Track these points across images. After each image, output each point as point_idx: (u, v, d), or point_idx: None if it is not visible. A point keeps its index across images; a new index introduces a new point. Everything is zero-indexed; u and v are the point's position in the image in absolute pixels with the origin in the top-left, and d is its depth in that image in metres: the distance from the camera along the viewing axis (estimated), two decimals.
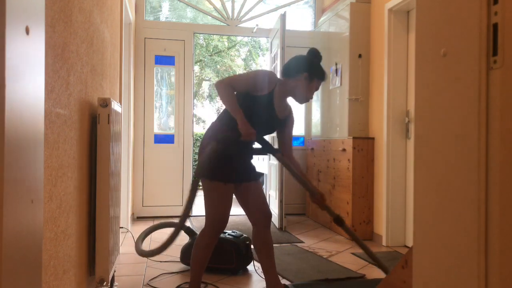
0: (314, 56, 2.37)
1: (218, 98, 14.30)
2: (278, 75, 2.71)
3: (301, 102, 2.39)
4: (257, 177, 2.46)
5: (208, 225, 2.30)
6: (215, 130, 2.33)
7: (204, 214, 2.36)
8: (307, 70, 2.31)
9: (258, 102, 2.28)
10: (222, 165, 2.25)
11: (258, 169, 2.52)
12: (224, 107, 2.34)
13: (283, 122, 2.43)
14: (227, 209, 2.30)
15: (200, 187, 2.27)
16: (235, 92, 2.28)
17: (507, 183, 0.84)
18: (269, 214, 2.42)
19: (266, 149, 2.32)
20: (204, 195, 2.32)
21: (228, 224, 2.36)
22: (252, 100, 2.27)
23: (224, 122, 2.33)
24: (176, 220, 3.01)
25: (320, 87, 2.43)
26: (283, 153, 2.42)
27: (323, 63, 2.41)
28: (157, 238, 3.99)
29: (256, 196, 2.41)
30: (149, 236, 4.06)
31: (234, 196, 2.38)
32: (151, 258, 3.30)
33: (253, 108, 2.28)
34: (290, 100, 2.45)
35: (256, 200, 2.41)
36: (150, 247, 3.64)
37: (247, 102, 2.27)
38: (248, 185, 2.38)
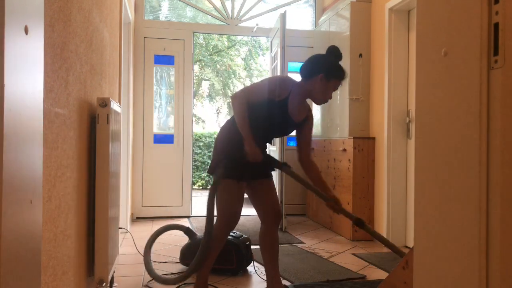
0: (331, 55, 2.31)
1: (218, 98, 14.30)
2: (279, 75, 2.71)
3: (319, 103, 2.35)
4: (270, 175, 2.46)
5: (221, 222, 2.33)
6: (232, 133, 2.32)
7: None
8: (323, 71, 2.25)
9: (271, 106, 2.28)
10: (236, 163, 2.26)
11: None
12: None
13: (300, 125, 2.41)
14: (239, 207, 2.34)
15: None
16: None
17: (508, 183, 0.83)
18: (280, 213, 2.45)
19: (273, 165, 2.36)
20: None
21: None
22: (266, 105, 2.27)
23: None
24: (175, 221, 3.00)
25: None
26: (301, 157, 2.45)
27: None
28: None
29: (268, 193, 2.43)
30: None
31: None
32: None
33: (266, 113, 2.28)
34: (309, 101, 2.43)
35: (268, 198, 2.43)
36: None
37: (261, 107, 2.28)
38: (261, 182, 2.41)
